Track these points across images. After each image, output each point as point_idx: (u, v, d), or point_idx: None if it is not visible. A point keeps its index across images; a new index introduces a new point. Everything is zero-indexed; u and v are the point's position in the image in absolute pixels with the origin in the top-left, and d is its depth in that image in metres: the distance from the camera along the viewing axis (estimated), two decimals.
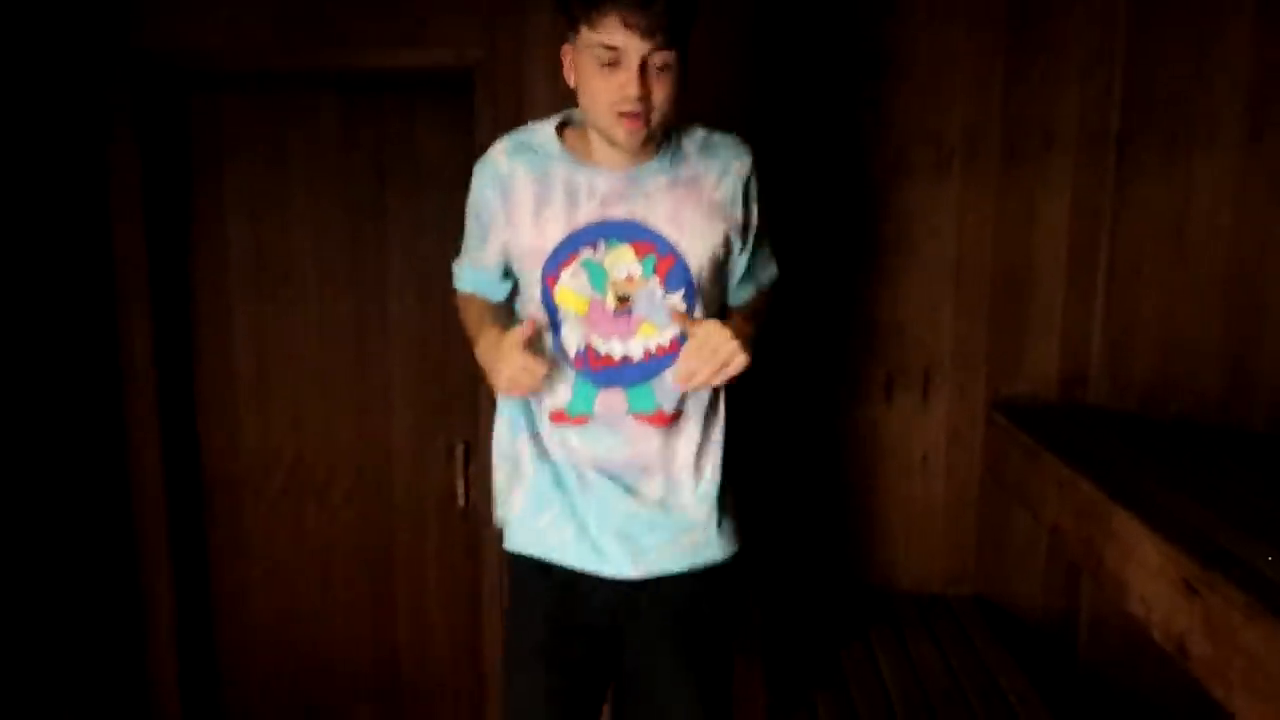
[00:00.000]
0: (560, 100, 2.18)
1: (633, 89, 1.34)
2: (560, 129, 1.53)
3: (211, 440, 2.59)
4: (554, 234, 1.47)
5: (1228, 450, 1.84)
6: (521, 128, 1.56)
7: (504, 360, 1.41)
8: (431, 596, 2.62)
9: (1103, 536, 1.54)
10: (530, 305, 1.53)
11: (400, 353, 2.54)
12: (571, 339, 1.50)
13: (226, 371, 2.56)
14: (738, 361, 1.37)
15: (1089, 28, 2.11)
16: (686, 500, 1.54)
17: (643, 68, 1.34)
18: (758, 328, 1.55)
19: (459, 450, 2.51)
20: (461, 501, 2.53)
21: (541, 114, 2.18)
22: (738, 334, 1.38)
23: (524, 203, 1.50)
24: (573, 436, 1.53)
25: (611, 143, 1.43)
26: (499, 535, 1.64)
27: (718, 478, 1.56)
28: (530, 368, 1.41)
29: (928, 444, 2.28)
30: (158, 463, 2.47)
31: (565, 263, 1.47)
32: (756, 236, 1.56)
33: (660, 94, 1.37)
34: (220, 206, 2.50)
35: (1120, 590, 1.47)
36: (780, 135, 2.20)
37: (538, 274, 1.49)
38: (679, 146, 1.50)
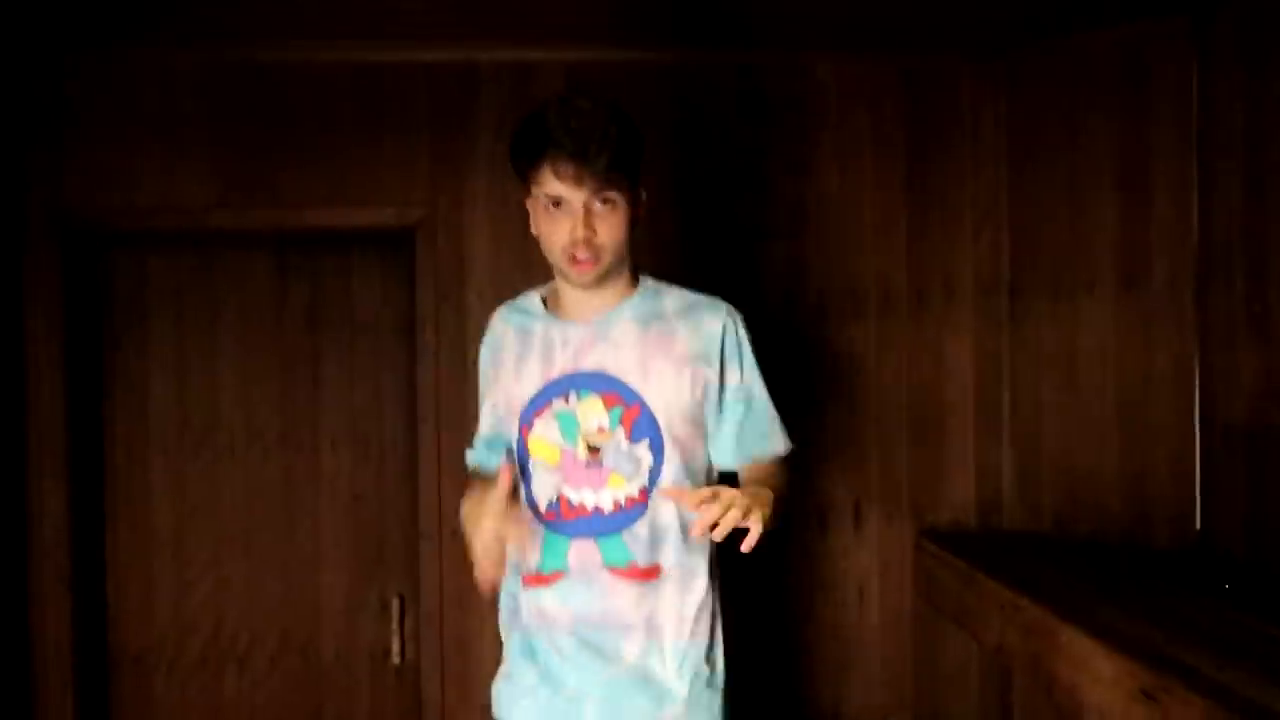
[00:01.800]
0: (502, 252, 2.34)
1: (578, 232, 1.44)
2: (546, 294, 1.63)
3: (123, 608, 2.47)
4: (530, 384, 1.55)
5: (1139, 567, 2.04)
6: (518, 296, 1.67)
7: (487, 520, 1.39)
8: None
9: (1052, 653, 1.68)
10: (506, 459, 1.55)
11: (331, 507, 2.51)
12: (544, 490, 1.53)
13: (143, 533, 2.48)
14: (754, 519, 1.30)
15: (976, 193, 2.40)
16: (668, 668, 1.51)
17: (586, 211, 1.45)
18: (777, 499, 1.43)
19: (395, 604, 2.47)
20: (397, 659, 2.48)
21: (483, 267, 2.37)
22: (758, 496, 1.35)
23: (508, 359, 1.60)
24: (547, 598, 1.52)
25: (569, 283, 1.53)
26: None
27: (703, 646, 1.53)
28: (510, 528, 1.40)
29: (861, 573, 2.40)
30: (66, 635, 2.33)
31: (539, 411, 1.53)
32: (746, 398, 1.57)
33: (606, 234, 1.46)
34: (144, 362, 2.47)
35: (1075, 703, 1.60)
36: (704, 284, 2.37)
37: (515, 423, 1.56)
38: (656, 298, 1.58)
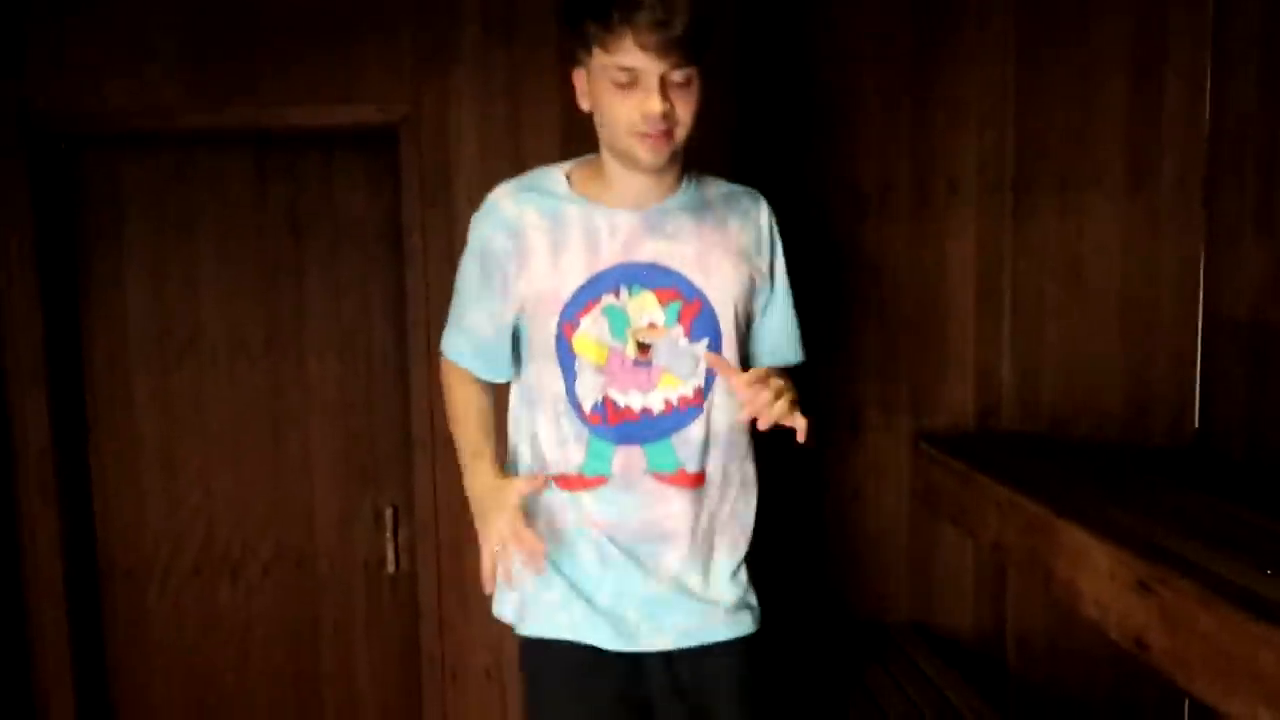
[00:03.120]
0: (489, 153, 2.32)
1: (655, 106, 1.34)
2: (571, 174, 1.51)
3: (112, 520, 2.51)
4: (574, 278, 1.44)
5: (1137, 464, 2.10)
6: (522, 175, 1.55)
7: (498, 516, 1.38)
8: (362, 671, 2.60)
9: (1050, 549, 1.75)
10: (540, 361, 1.48)
11: (321, 417, 2.53)
12: (588, 392, 1.46)
13: (128, 445, 2.50)
14: (798, 413, 1.33)
15: (982, 88, 2.37)
16: (712, 582, 1.53)
17: (662, 84, 1.35)
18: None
19: (388, 514, 2.53)
20: (392, 568, 2.54)
21: (470, 168, 2.35)
22: (793, 390, 1.37)
23: (538, 248, 1.46)
24: (586, 502, 1.49)
25: (634, 165, 1.42)
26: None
27: (740, 553, 1.57)
28: (522, 539, 1.37)
29: (858, 478, 2.46)
30: (56, 547, 2.37)
31: (585, 309, 1.44)
32: (781, 293, 1.58)
33: (683, 110, 1.37)
34: (119, 271, 2.45)
35: (1072, 596, 1.67)
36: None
37: (553, 323, 1.45)
38: (701, 188, 1.53)
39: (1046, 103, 2.35)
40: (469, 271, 1.56)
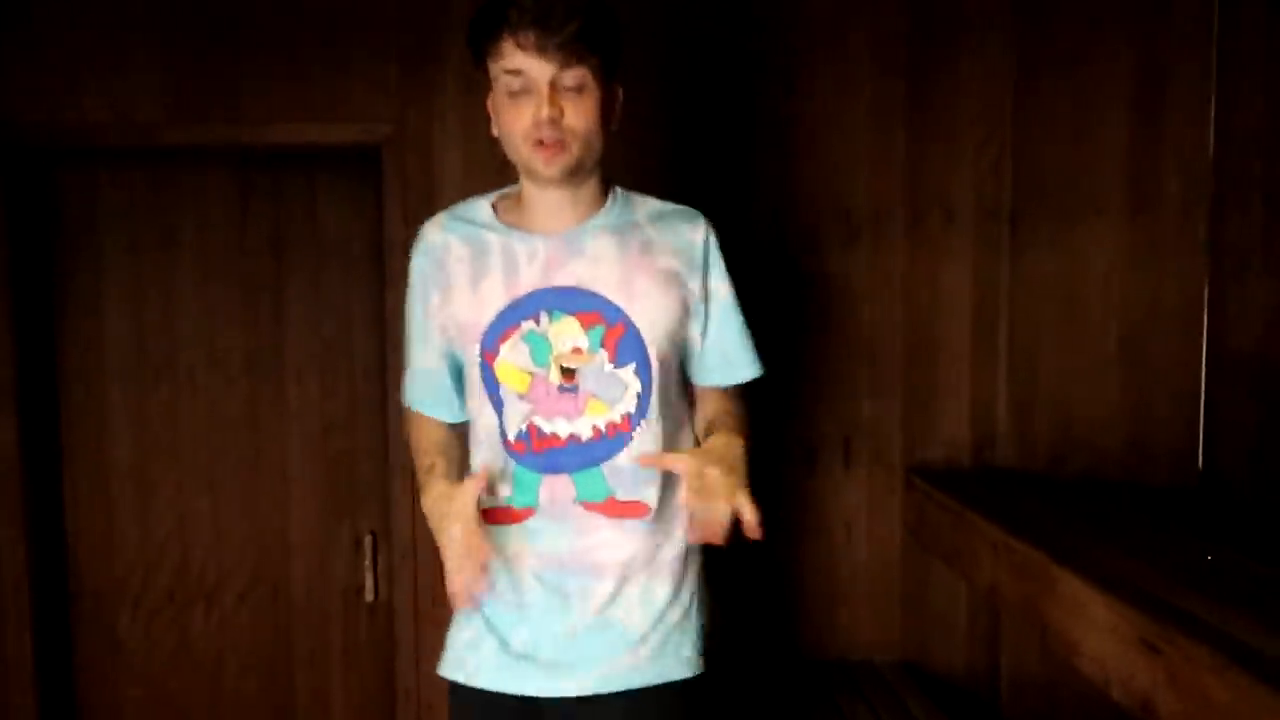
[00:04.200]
0: (474, 172, 2.21)
1: (543, 111, 1.29)
2: (496, 204, 1.48)
3: (83, 543, 2.39)
4: (493, 304, 1.40)
5: (1139, 506, 1.97)
6: (454, 205, 1.51)
7: (453, 524, 1.31)
8: (337, 702, 2.47)
9: (1046, 597, 1.61)
10: (473, 394, 1.43)
11: (300, 440, 2.42)
12: (513, 421, 1.40)
13: (102, 467, 2.39)
14: (745, 505, 1.26)
15: (979, 111, 2.26)
16: (633, 610, 1.42)
17: (553, 90, 1.30)
18: (749, 440, 1.41)
19: (367, 541, 2.40)
20: (371, 596, 2.41)
21: (454, 188, 2.24)
22: (734, 464, 1.31)
23: (459, 274, 1.43)
24: (511, 538, 1.42)
25: (538, 180, 1.38)
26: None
27: (685, 590, 1.46)
28: (474, 550, 1.30)
29: (850, 512, 2.34)
30: (23, 573, 2.26)
31: (504, 336, 1.39)
32: (723, 311, 1.48)
33: (576, 116, 1.31)
34: (97, 290, 2.35)
35: (1070, 649, 1.53)
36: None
37: (476, 350, 1.41)
38: (628, 209, 1.46)
39: (1045, 128, 2.23)
40: (412, 309, 1.51)
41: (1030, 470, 2.27)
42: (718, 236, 1.49)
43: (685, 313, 1.45)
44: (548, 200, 1.41)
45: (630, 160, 2.17)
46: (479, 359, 1.41)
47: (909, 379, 2.32)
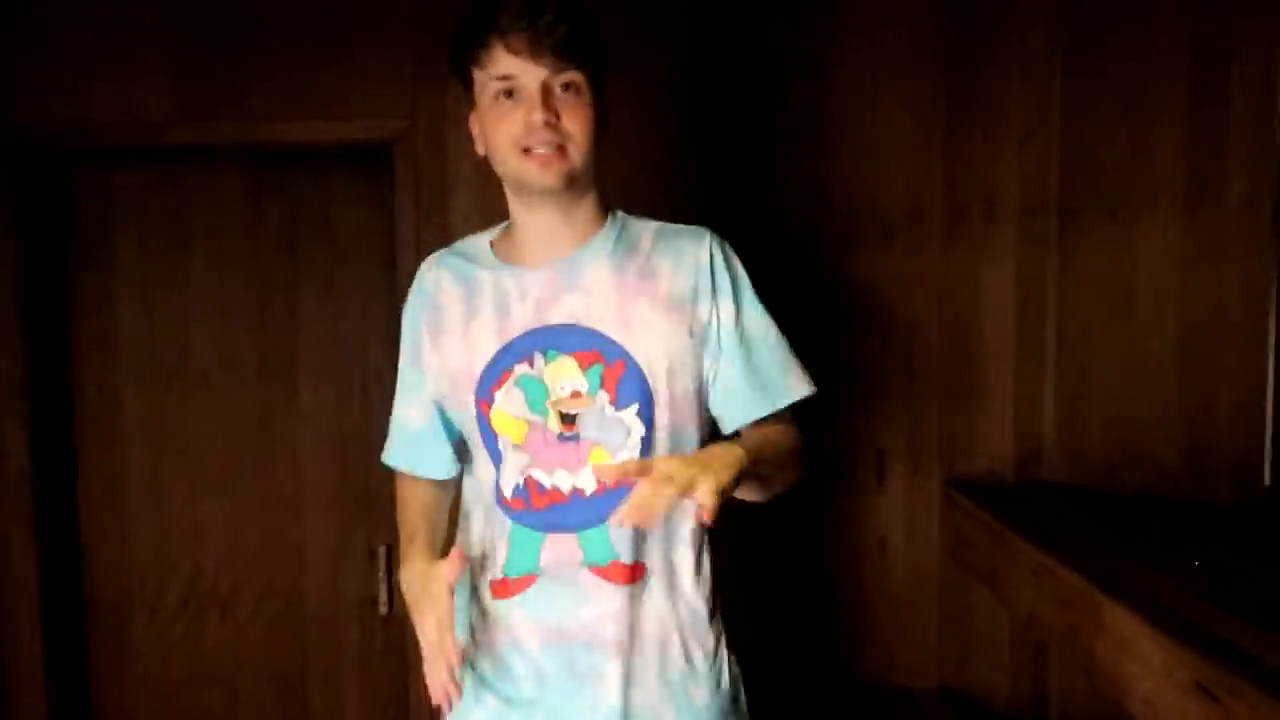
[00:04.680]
0: (488, 170, 2.10)
1: (536, 114, 1.20)
2: (496, 240, 1.38)
3: (96, 550, 2.34)
4: (485, 348, 1.28)
5: (1199, 525, 1.79)
6: (455, 242, 1.44)
7: (427, 614, 1.19)
8: (352, 714, 2.39)
9: (1092, 629, 1.45)
10: (474, 449, 1.32)
11: (314, 447, 2.34)
12: (509, 475, 1.28)
13: (115, 473, 2.33)
14: (703, 489, 1.06)
15: (1025, 101, 2.10)
16: (650, 689, 1.28)
17: (545, 94, 1.21)
18: (760, 459, 1.21)
19: (381, 551, 2.31)
20: (385, 608, 2.32)
21: (467, 186, 2.15)
22: (709, 459, 1.12)
23: (452, 318, 1.33)
24: (513, 611, 1.29)
25: (530, 195, 1.26)
26: None
27: (688, 659, 1.31)
28: (445, 649, 1.17)
29: (884, 529, 2.19)
30: (34, 579, 2.21)
31: (499, 382, 1.27)
32: (744, 338, 1.32)
33: (572, 121, 1.22)
34: (109, 291, 2.30)
35: (1118, 689, 1.38)
36: (714, 214, 2.13)
37: (471, 401, 1.28)
38: (626, 233, 1.34)
39: (1097, 116, 2.06)
40: (403, 357, 1.42)
41: (1080, 485, 2.10)
42: (733, 251, 1.37)
43: (696, 342, 1.30)
44: (540, 224, 1.30)
45: (647, 159, 2.07)
46: (474, 409, 1.29)
47: (948, 386, 2.16)
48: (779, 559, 2.17)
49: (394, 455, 1.44)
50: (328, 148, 2.19)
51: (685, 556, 1.32)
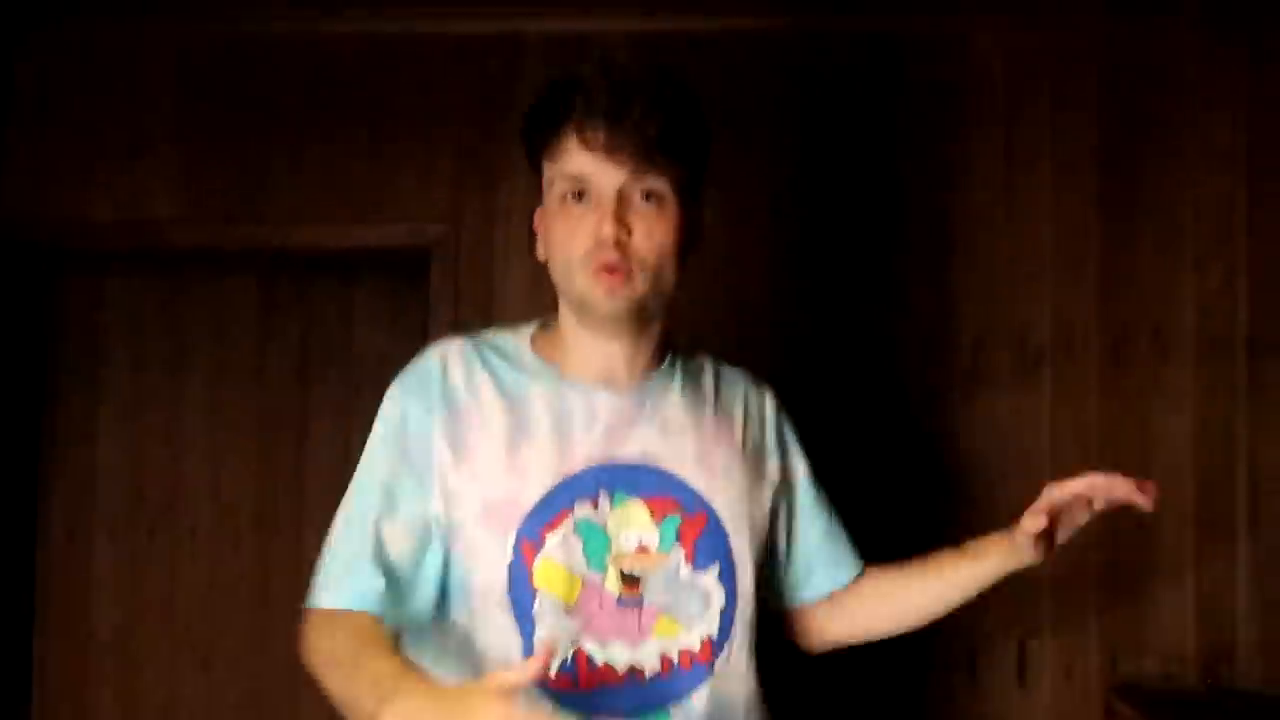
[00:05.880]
0: (543, 282, 2.11)
1: (606, 228, 1.16)
2: (536, 337, 1.31)
3: None
4: (539, 480, 1.20)
5: None
6: (478, 332, 1.33)
7: (486, 703, 0.96)
8: None
9: None
10: (477, 604, 1.19)
11: None
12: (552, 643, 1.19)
13: (80, 633, 2.34)
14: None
15: (1203, 211, 2.08)
16: None
17: (621, 203, 1.18)
18: None
19: None
20: None
21: (518, 301, 2.15)
22: None
23: (492, 433, 1.22)
24: None
25: (591, 320, 1.22)
26: None
27: None
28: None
29: None
30: None
31: (553, 522, 1.19)
32: (814, 497, 1.39)
33: (646, 237, 1.18)
34: (93, 415, 2.37)
35: None
36: (809, 341, 2.12)
37: (509, 542, 1.19)
38: (689, 366, 1.33)
39: None
40: (376, 462, 1.25)
41: None
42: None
43: (771, 500, 1.32)
44: (600, 351, 1.26)
45: (731, 281, 2.08)
46: (512, 554, 1.19)
47: (1111, 563, 2.07)
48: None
49: (348, 592, 1.20)
50: (353, 255, 2.23)
51: None
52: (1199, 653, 2.05)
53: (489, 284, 2.18)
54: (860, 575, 1.43)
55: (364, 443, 1.30)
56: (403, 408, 1.25)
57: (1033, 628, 2.08)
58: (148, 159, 2.22)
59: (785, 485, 1.36)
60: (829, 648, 1.46)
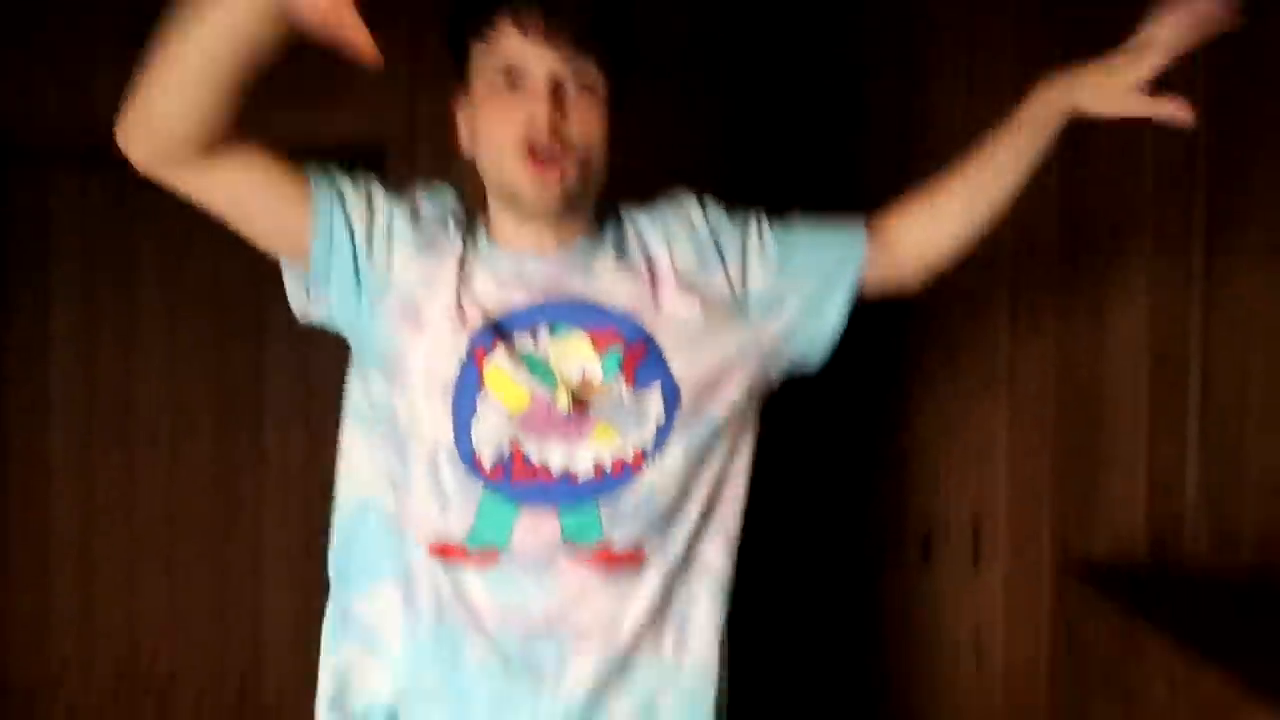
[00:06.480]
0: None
1: (542, 116, 1.20)
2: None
3: (11, 631, 2.39)
4: (479, 318, 1.27)
5: None
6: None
7: None
8: None
9: None
10: (418, 393, 1.28)
11: (279, 504, 2.40)
12: (490, 436, 1.26)
13: (38, 537, 2.39)
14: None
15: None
16: (631, 699, 1.33)
17: (557, 86, 1.22)
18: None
19: None
20: None
21: (477, 201, 2.16)
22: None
23: (447, 257, 1.30)
24: (471, 583, 1.29)
25: (520, 210, 1.27)
26: None
27: (681, 671, 1.35)
28: None
29: (980, 621, 2.15)
30: None
31: (492, 346, 1.26)
32: (785, 237, 1.38)
33: (582, 127, 1.22)
34: (44, 318, 2.38)
35: None
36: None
37: (463, 342, 1.26)
38: (620, 224, 1.38)
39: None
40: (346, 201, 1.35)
41: (1230, 572, 2.07)
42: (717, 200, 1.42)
43: (726, 317, 1.34)
44: (527, 229, 1.31)
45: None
46: (466, 353, 1.26)
47: (1063, 443, 2.14)
48: (845, 658, 2.15)
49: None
50: (310, 150, 2.21)
51: (707, 548, 1.36)
52: (1149, 532, 2.12)
53: (445, 177, 2.17)
54: (868, 228, 1.41)
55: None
56: (398, 190, 1.37)
57: (986, 508, 2.15)
58: (95, 53, 2.20)
59: (739, 281, 1.36)
60: (947, 260, 1.44)
